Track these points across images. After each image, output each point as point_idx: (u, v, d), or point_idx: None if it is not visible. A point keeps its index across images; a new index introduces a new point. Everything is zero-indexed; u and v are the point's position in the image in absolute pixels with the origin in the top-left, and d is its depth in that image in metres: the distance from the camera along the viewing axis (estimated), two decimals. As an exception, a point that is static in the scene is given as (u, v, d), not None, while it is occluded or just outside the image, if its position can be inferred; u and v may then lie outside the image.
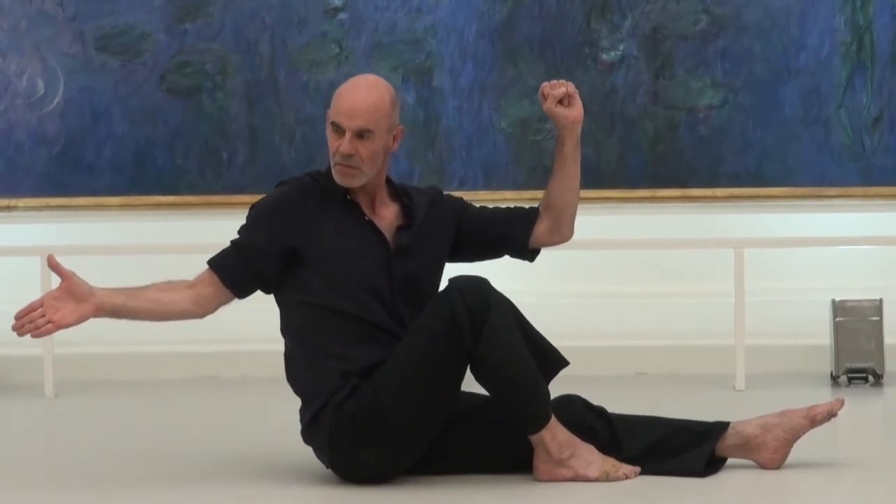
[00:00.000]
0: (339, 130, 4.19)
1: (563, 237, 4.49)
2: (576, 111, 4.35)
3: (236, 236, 4.33)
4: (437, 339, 4.08)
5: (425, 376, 4.09)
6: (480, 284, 4.15)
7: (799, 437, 4.31)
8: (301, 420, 4.27)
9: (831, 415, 4.32)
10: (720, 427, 4.30)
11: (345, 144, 4.17)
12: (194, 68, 7.59)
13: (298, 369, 4.23)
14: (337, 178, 4.23)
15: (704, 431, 4.30)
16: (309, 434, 4.23)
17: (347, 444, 4.14)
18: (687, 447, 4.26)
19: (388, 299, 4.23)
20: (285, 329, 4.30)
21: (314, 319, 4.18)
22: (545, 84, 4.37)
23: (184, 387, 6.51)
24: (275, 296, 4.30)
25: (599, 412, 4.32)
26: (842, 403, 4.34)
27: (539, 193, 7.48)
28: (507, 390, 4.12)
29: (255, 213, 4.34)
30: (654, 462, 4.25)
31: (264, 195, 4.40)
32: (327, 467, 4.26)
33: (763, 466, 4.30)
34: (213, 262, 4.28)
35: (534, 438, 4.15)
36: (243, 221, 4.36)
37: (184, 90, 7.59)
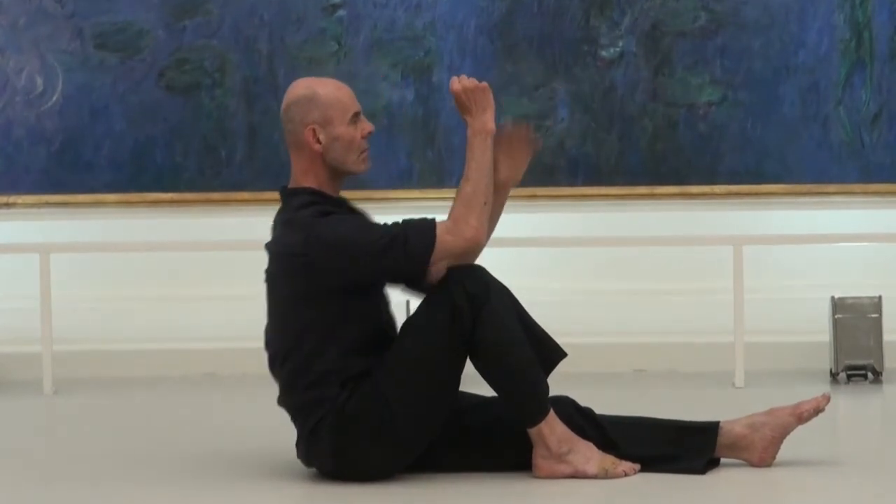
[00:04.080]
0: (356, 118, 4.25)
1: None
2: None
3: (382, 234, 4.15)
4: (438, 327, 4.11)
5: (428, 366, 4.10)
6: (480, 271, 4.18)
7: (787, 434, 4.30)
8: (299, 436, 4.24)
9: (818, 411, 4.31)
10: (713, 427, 4.29)
11: (369, 123, 4.28)
12: (193, 65, 7.59)
13: (296, 392, 4.19)
14: (362, 167, 4.28)
15: (701, 431, 4.28)
16: (310, 445, 4.19)
17: (352, 445, 4.13)
18: (685, 447, 4.25)
19: (386, 302, 4.29)
20: (290, 355, 4.18)
21: (332, 340, 4.15)
22: (527, 129, 4.40)
23: (183, 384, 6.51)
24: (300, 314, 4.17)
25: (587, 414, 4.30)
26: (828, 399, 4.32)
27: (539, 190, 7.60)
28: (505, 376, 4.13)
29: (354, 220, 4.23)
30: (653, 464, 4.24)
31: (313, 225, 4.15)
32: (332, 476, 4.22)
33: (753, 465, 4.29)
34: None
35: (532, 432, 4.15)
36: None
37: (182, 87, 7.59)
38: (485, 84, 4.22)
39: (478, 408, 4.29)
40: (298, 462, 4.36)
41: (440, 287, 4.16)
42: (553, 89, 7.58)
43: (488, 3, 7.57)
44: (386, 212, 7.21)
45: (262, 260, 6.43)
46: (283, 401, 4.27)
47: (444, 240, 4.12)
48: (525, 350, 4.15)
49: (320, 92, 4.23)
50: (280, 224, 4.23)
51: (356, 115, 4.25)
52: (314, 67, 7.55)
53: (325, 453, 4.17)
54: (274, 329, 4.25)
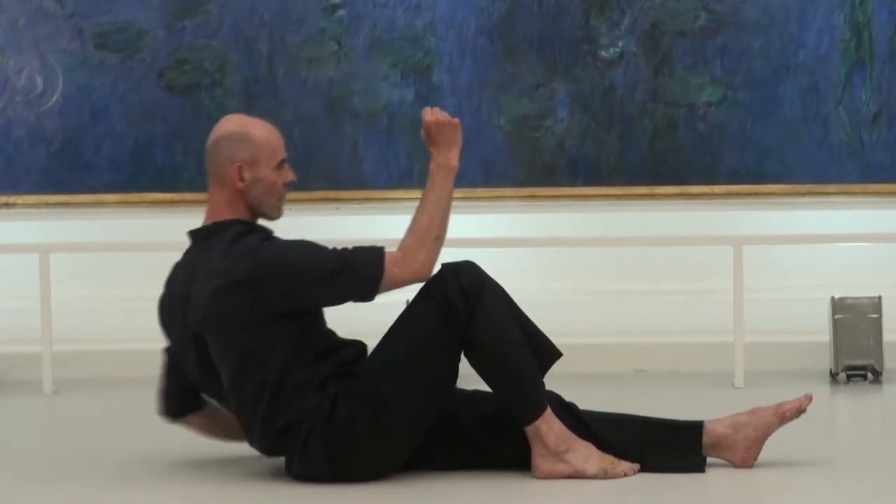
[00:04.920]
0: (282, 165, 4.31)
1: None
2: None
3: (329, 256, 4.19)
4: (432, 323, 4.13)
5: (423, 361, 4.11)
6: (474, 267, 4.21)
7: (769, 434, 4.28)
8: (289, 455, 4.21)
9: (800, 411, 4.29)
10: (698, 426, 4.28)
11: (292, 173, 4.34)
12: (193, 65, 7.59)
13: (278, 416, 4.16)
14: (276, 214, 4.32)
15: (687, 429, 4.27)
16: (304, 458, 4.17)
17: (349, 446, 4.12)
18: (671, 445, 4.24)
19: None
20: (262, 387, 4.13)
21: (296, 354, 4.15)
22: None
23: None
24: (261, 340, 4.13)
25: (572, 409, 4.29)
26: (810, 399, 4.31)
27: (538, 190, 7.61)
28: (502, 374, 4.13)
29: (301, 243, 4.25)
30: (640, 461, 4.23)
31: (261, 249, 4.18)
32: (330, 481, 4.20)
33: (735, 465, 4.28)
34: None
35: (530, 430, 4.14)
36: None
37: (182, 87, 7.59)
38: (456, 121, 4.28)
39: (473, 406, 4.28)
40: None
41: (434, 283, 4.17)
42: (553, 89, 7.58)
43: (488, 3, 7.57)
44: (386, 212, 7.28)
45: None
46: (263, 434, 4.19)
47: (392, 272, 4.14)
48: (521, 348, 4.15)
49: (253, 132, 4.29)
50: (214, 259, 4.17)
51: (282, 161, 4.31)
52: (314, 67, 7.56)
53: (321, 461, 4.15)
54: (234, 371, 4.16)
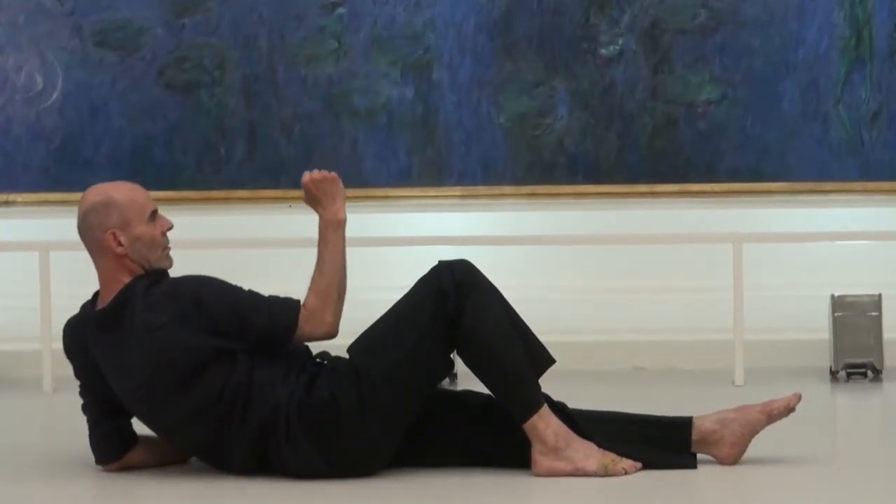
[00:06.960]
0: (154, 216, 4.31)
1: None
2: None
3: (238, 291, 4.28)
4: (421, 304, 4.17)
5: (408, 340, 4.15)
6: (469, 265, 4.25)
7: (756, 432, 4.28)
8: (277, 458, 4.21)
9: (788, 410, 4.29)
10: (687, 422, 4.28)
11: (167, 219, 4.34)
12: (193, 63, 7.59)
13: (252, 424, 4.18)
14: (167, 262, 4.33)
15: (677, 427, 4.27)
16: (294, 453, 4.18)
17: (335, 423, 4.12)
18: (660, 443, 4.24)
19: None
20: (230, 408, 4.17)
21: (252, 368, 4.19)
22: None
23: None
24: (213, 375, 4.18)
25: (561, 409, 4.29)
26: (798, 398, 4.31)
27: (538, 188, 7.61)
28: (494, 366, 4.15)
29: (214, 280, 4.31)
30: (635, 455, 4.23)
31: (177, 286, 4.25)
32: (328, 471, 4.20)
33: (720, 462, 4.28)
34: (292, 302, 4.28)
35: (527, 427, 4.14)
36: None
37: (182, 85, 7.59)
38: (334, 175, 4.29)
39: (457, 401, 4.32)
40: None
41: (428, 276, 4.22)
42: (553, 87, 7.58)
43: (488, 0, 7.57)
44: (386, 209, 7.28)
45: (262, 257, 6.39)
46: (242, 442, 4.21)
47: (303, 328, 4.22)
48: (513, 343, 4.16)
49: (115, 196, 4.29)
50: (135, 325, 4.18)
51: (154, 213, 4.32)
52: (314, 65, 7.55)
53: (309, 447, 4.16)
54: (197, 401, 4.19)
